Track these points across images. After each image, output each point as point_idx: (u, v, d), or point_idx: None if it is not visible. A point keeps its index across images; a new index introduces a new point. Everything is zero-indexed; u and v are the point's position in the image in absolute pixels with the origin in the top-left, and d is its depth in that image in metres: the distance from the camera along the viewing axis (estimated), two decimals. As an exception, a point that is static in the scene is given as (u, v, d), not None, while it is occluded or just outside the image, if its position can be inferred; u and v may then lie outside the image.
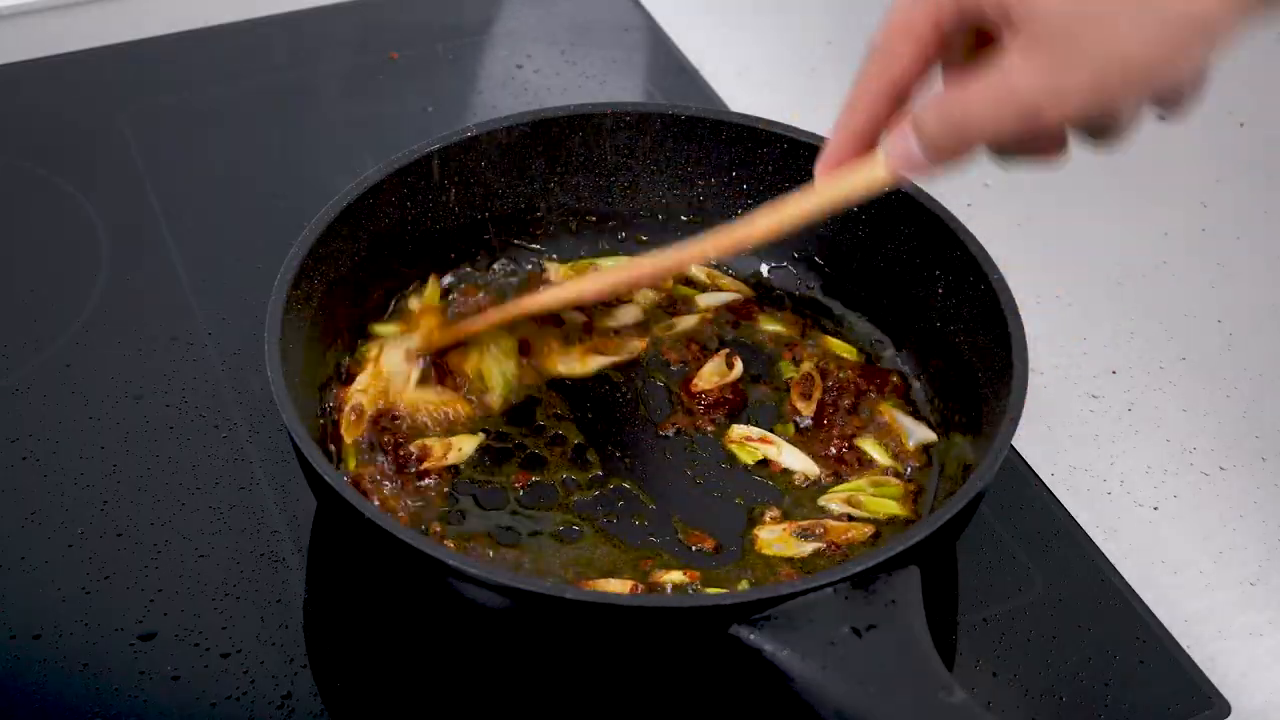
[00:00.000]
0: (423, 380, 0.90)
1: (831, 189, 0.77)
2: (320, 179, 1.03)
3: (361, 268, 0.91)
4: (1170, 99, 0.68)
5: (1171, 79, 0.66)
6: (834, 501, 0.86)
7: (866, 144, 0.75)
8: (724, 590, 0.80)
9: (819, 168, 0.77)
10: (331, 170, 1.05)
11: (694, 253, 0.87)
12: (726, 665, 0.72)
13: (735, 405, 0.92)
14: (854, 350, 0.95)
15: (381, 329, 0.93)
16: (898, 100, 0.74)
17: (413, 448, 0.86)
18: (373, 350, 0.91)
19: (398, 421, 0.88)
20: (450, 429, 0.88)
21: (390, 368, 0.90)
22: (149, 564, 0.84)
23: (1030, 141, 0.69)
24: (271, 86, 1.18)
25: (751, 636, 0.70)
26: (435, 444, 0.87)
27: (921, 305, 0.93)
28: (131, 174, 1.09)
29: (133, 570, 0.84)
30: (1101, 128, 0.69)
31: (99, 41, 1.20)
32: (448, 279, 0.96)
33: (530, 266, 0.99)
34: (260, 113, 1.16)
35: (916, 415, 0.91)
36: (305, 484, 0.82)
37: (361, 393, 0.88)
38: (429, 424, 0.88)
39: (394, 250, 0.93)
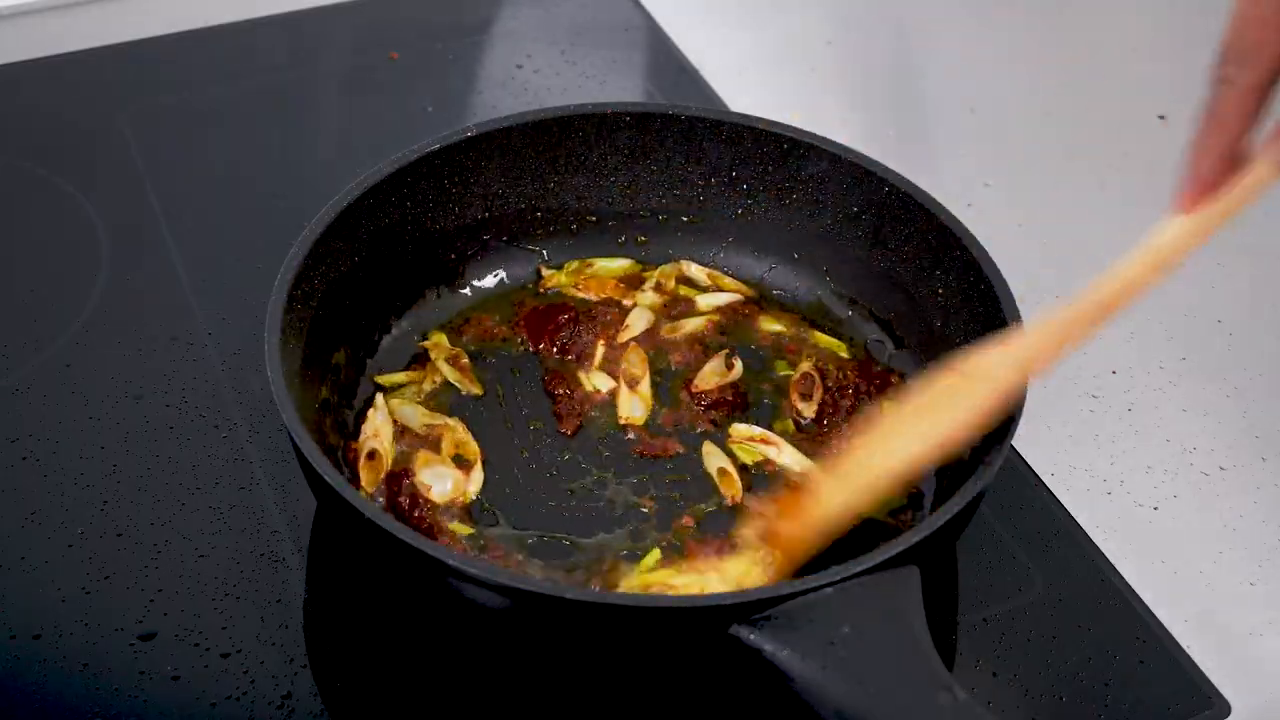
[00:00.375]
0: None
1: (1213, 215, 0.73)
2: (320, 179, 1.03)
3: (361, 268, 0.91)
4: None
5: None
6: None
7: (1238, 161, 0.71)
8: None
9: (1190, 193, 0.72)
10: (331, 170, 1.05)
11: (1049, 339, 0.78)
12: (726, 665, 0.72)
13: (736, 405, 0.92)
14: (844, 347, 0.95)
15: (388, 379, 0.92)
16: (1262, 103, 0.69)
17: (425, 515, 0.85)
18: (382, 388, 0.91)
19: (409, 484, 0.85)
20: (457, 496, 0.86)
21: (403, 422, 0.89)
22: (149, 564, 0.84)
23: None
24: (271, 86, 1.18)
25: (751, 636, 0.70)
26: (449, 526, 0.85)
27: (921, 305, 0.93)
28: (131, 174, 1.09)
29: (133, 570, 0.84)
30: None
31: (99, 41, 1.20)
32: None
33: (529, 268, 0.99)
34: (260, 113, 1.16)
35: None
36: (305, 484, 0.82)
37: (374, 438, 0.87)
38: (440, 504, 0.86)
39: (394, 250, 0.93)
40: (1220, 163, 0.71)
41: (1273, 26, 0.67)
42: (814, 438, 0.90)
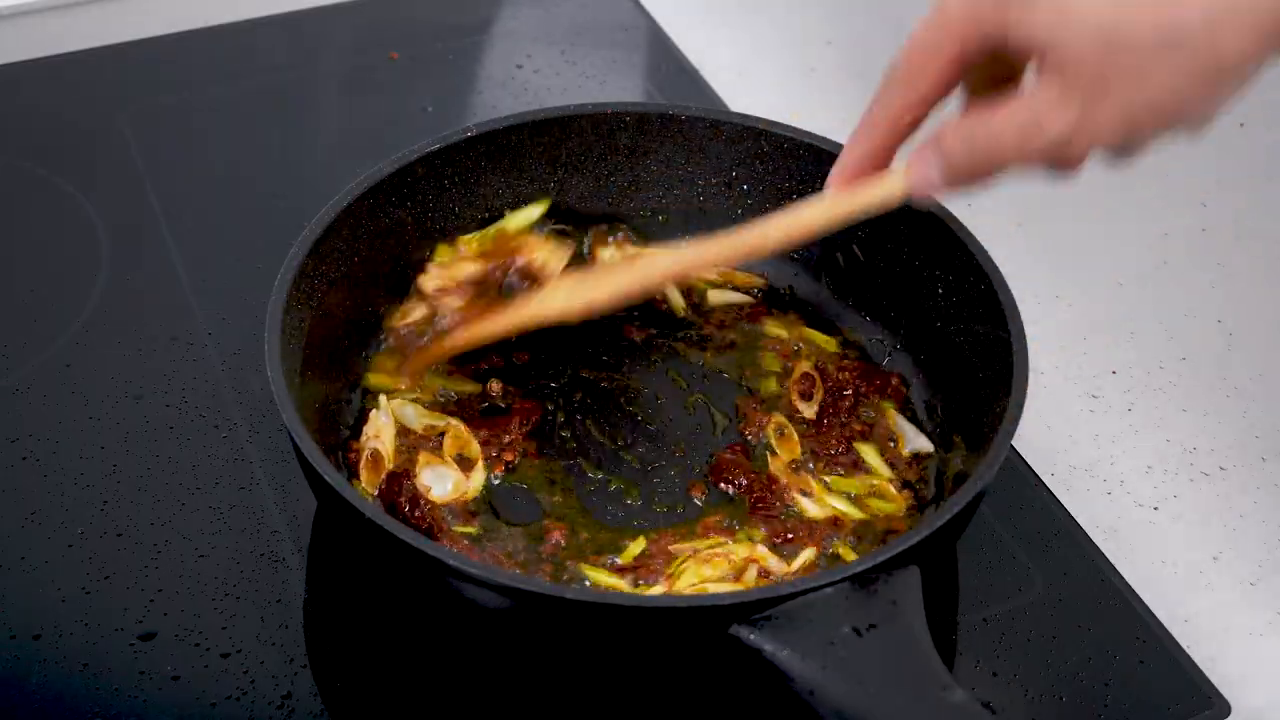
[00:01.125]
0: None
1: (847, 202, 0.79)
2: (320, 179, 1.03)
3: (361, 268, 0.91)
4: (1193, 129, 0.69)
5: (1199, 117, 0.68)
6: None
7: (881, 161, 0.77)
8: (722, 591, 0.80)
9: (833, 180, 0.79)
10: (331, 170, 1.05)
11: (700, 258, 0.86)
12: (726, 665, 0.72)
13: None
14: (834, 343, 0.95)
15: (377, 380, 0.91)
16: (915, 122, 0.75)
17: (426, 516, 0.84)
18: (381, 388, 0.91)
19: (409, 485, 0.85)
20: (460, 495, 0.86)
21: (404, 422, 0.88)
22: (149, 564, 0.84)
23: (1052, 164, 0.71)
24: (271, 86, 1.18)
25: (751, 636, 0.70)
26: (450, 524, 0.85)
27: (921, 305, 0.93)
28: (131, 174, 1.09)
29: (133, 570, 0.84)
30: (1125, 153, 0.70)
31: (99, 41, 1.20)
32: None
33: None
34: (260, 113, 1.16)
35: (915, 420, 0.91)
36: (305, 484, 0.82)
37: (376, 439, 0.87)
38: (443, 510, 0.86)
39: (394, 250, 0.93)
40: (863, 159, 0.77)
41: (934, 55, 0.72)
42: (814, 437, 0.90)
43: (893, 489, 0.87)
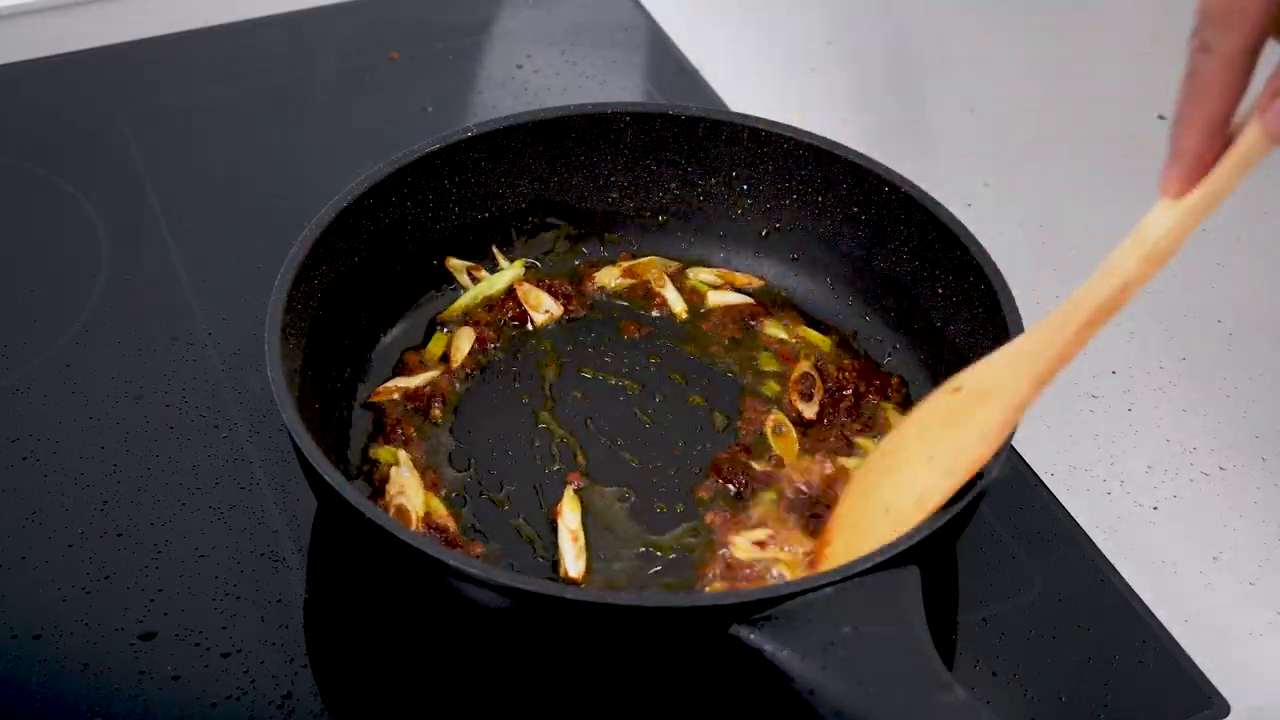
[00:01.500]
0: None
1: (1204, 200, 0.67)
2: (320, 179, 1.03)
3: (361, 268, 0.91)
4: None
5: None
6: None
7: (1224, 132, 0.65)
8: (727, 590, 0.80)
9: (1177, 180, 0.67)
10: (331, 170, 1.05)
11: (1060, 344, 0.75)
12: (726, 665, 0.72)
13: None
14: (829, 342, 0.95)
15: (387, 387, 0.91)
16: (1247, 70, 0.63)
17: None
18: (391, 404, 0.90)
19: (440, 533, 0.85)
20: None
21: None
22: (149, 564, 0.84)
23: None
24: (271, 86, 1.18)
25: (751, 636, 0.70)
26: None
27: (921, 305, 0.93)
28: (131, 174, 1.09)
29: (133, 570, 0.84)
30: None
31: (99, 41, 1.20)
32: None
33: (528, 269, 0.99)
34: (260, 113, 1.16)
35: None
36: (305, 484, 0.82)
37: (401, 494, 0.85)
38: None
39: (394, 250, 0.93)
40: (1206, 138, 0.65)
41: None
42: (814, 437, 0.90)
43: None
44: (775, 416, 0.90)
